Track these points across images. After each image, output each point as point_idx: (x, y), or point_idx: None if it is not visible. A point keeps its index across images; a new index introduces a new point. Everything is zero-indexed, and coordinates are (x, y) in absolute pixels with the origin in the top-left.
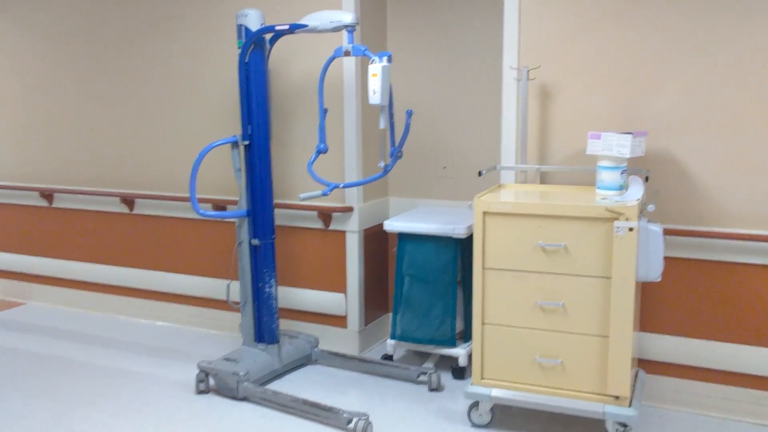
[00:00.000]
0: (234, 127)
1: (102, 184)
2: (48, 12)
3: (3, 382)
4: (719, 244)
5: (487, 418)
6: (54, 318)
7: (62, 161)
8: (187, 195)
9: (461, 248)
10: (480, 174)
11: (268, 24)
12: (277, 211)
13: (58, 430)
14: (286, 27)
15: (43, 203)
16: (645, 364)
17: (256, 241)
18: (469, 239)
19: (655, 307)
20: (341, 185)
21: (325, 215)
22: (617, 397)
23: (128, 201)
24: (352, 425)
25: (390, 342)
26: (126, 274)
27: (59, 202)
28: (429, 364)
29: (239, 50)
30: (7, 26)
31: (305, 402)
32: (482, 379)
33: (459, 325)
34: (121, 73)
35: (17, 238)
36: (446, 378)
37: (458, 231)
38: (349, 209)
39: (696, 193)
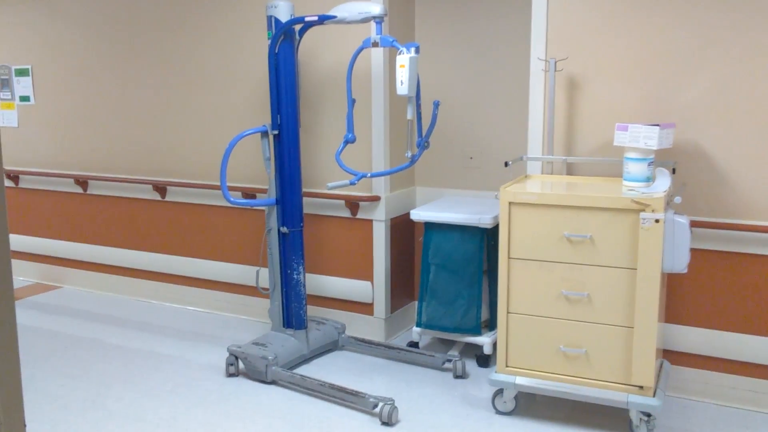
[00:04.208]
0: (264, 117)
1: (134, 171)
2: (85, 2)
3: (40, 362)
4: (746, 237)
5: (511, 406)
6: (89, 301)
7: (96, 149)
8: (217, 183)
9: (487, 238)
10: (507, 164)
11: (297, 15)
12: (305, 199)
13: (93, 409)
14: (315, 18)
15: (78, 190)
16: (670, 355)
17: (284, 229)
18: (495, 229)
19: (681, 299)
20: (368, 175)
21: (353, 204)
22: (641, 387)
23: (160, 188)
24: (377, 409)
25: (416, 329)
26: (158, 260)
27: (93, 188)
28: (454, 352)
29: (269, 41)
30: (45, 16)
31: (332, 386)
32: (507, 367)
33: (484, 314)
34: (154, 64)
35: (54, 223)
36: (471, 365)
37: (484, 221)
38: (376, 198)
39: (723, 185)
